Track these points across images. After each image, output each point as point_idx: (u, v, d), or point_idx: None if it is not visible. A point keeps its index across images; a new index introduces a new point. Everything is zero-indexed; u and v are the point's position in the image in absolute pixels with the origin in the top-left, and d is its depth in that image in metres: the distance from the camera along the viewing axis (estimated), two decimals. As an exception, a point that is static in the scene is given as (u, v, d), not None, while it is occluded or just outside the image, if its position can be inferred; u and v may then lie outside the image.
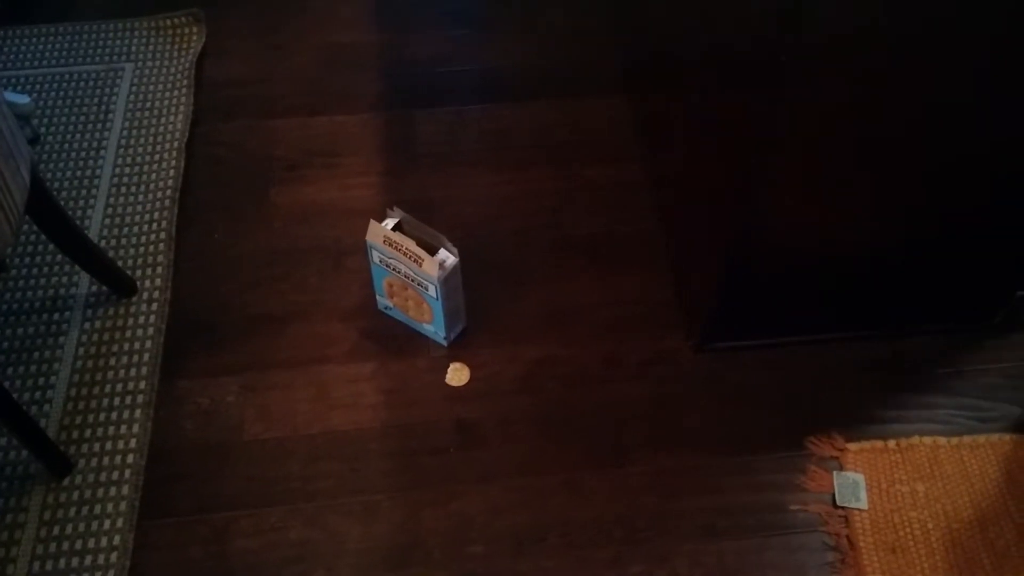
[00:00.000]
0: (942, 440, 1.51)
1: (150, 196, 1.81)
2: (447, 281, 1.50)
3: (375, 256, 1.54)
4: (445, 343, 1.61)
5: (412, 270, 1.50)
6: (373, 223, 1.50)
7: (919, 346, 1.63)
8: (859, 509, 1.43)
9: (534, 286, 1.71)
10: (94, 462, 1.47)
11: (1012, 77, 1.17)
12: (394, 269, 1.53)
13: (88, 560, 1.38)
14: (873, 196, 1.35)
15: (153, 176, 1.84)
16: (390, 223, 1.52)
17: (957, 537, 1.40)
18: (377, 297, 1.64)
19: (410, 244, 1.47)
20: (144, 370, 1.57)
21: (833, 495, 1.46)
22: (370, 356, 1.61)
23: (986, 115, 1.23)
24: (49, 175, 1.84)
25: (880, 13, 1.07)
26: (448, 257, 1.50)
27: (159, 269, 1.70)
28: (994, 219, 1.42)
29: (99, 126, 1.93)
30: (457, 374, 1.59)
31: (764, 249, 1.43)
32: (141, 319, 1.63)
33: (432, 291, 1.50)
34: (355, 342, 1.63)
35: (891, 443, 1.51)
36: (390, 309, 1.64)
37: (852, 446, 1.51)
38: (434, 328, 1.59)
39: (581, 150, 1.91)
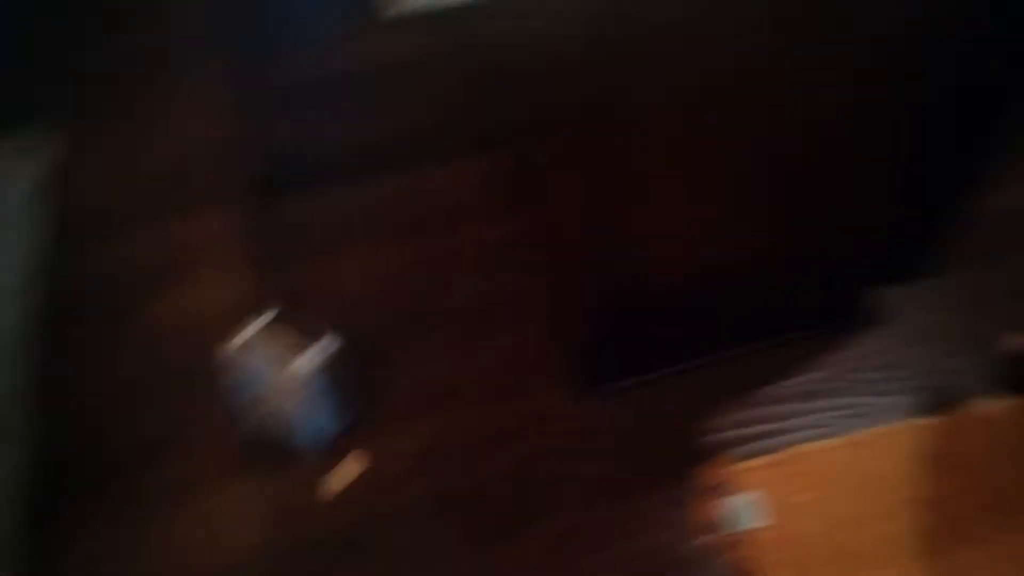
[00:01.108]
0: (827, 444, 1.53)
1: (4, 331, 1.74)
2: (329, 371, 1.47)
3: (246, 363, 1.51)
4: (329, 442, 1.58)
5: (286, 372, 1.47)
6: (240, 330, 1.47)
7: (793, 354, 1.66)
8: (752, 529, 1.44)
9: (417, 365, 1.69)
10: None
11: (834, 84, 1.22)
12: (267, 374, 1.50)
13: None
14: (728, 213, 1.37)
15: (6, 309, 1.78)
16: (259, 325, 1.49)
17: (854, 538, 1.42)
18: (250, 407, 1.59)
19: (281, 346, 1.44)
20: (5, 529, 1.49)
21: (731, 519, 1.46)
22: (250, 472, 1.56)
23: (820, 123, 1.27)
24: None
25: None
26: (329, 346, 1.47)
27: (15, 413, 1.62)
28: (845, 223, 1.47)
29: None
30: (346, 471, 1.55)
31: (631, 285, 1.44)
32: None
33: (310, 390, 1.47)
34: (231, 460, 1.58)
35: (779, 456, 1.52)
36: (267, 417, 1.59)
37: (743, 466, 1.52)
38: (315, 428, 1.56)
39: (452, 216, 1.92)
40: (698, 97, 1.16)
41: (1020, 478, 1.46)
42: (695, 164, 1.27)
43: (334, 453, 1.57)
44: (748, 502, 1.47)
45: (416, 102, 2.16)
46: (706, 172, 1.29)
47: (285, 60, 2.26)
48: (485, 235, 1.89)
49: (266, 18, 2.38)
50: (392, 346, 1.72)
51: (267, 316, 1.50)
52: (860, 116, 1.27)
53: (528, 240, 1.81)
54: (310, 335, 1.48)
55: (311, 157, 2.06)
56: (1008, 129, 1.36)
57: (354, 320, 1.74)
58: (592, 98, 1.16)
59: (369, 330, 1.74)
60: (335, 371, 1.51)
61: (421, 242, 1.89)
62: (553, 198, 1.61)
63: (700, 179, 1.30)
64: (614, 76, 1.11)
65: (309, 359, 1.43)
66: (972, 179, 1.47)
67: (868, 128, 1.30)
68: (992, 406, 1.56)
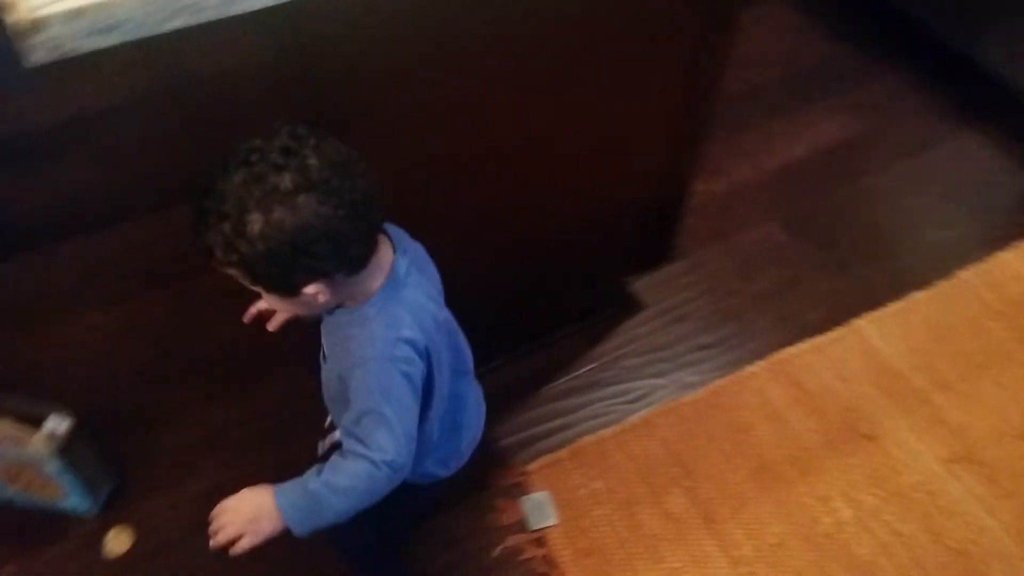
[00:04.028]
0: (605, 432, 1.60)
1: None
2: (68, 450, 1.34)
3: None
4: (95, 511, 1.44)
5: (20, 451, 1.32)
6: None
7: (562, 351, 1.72)
8: (551, 526, 1.48)
9: (178, 419, 1.59)
10: None
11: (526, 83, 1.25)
12: (0, 456, 1.35)
13: None
14: (474, 219, 1.37)
15: None
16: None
17: (639, 519, 1.49)
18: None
19: (4, 426, 1.29)
20: None
21: (527, 520, 1.49)
22: (7, 556, 1.40)
23: (546, 121, 1.30)
24: None
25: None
26: (60, 424, 1.34)
27: None
28: (588, 217, 1.53)
29: None
30: (118, 540, 1.43)
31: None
32: None
33: (53, 466, 1.33)
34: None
35: (563, 452, 1.57)
36: (15, 497, 1.44)
37: (531, 467, 1.55)
38: (75, 499, 1.42)
39: (183, 263, 1.80)
40: (417, 105, 1.15)
41: (782, 441, 1.59)
42: (424, 171, 1.25)
43: (103, 523, 1.45)
44: (540, 501, 1.50)
45: (130, 146, 2.03)
46: (437, 178, 1.27)
47: None
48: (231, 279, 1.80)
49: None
50: (152, 403, 1.60)
51: None
52: (580, 108, 1.32)
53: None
54: (41, 410, 1.34)
55: (7, 221, 1.87)
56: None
57: (100, 384, 1.60)
58: (305, 115, 1.13)
59: (121, 392, 1.61)
60: (82, 441, 1.38)
61: (161, 292, 1.77)
62: None
63: (432, 185, 1.28)
64: (320, 93, 1.08)
65: (42, 436, 1.30)
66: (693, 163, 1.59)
67: (592, 126, 1.36)
68: (756, 374, 1.69)
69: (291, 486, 1.01)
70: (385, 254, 0.97)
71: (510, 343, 1.68)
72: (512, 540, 1.47)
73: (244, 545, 1.02)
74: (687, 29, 1.31)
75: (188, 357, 1.67)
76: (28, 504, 1.44)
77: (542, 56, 1.20)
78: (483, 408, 1.22)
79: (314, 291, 0.91)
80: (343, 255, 0.91)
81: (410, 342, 0.96)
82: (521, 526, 1.48)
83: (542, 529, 1.48)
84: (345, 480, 0.98)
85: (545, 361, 1.70)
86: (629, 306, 1.79)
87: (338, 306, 0.98)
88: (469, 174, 1.29)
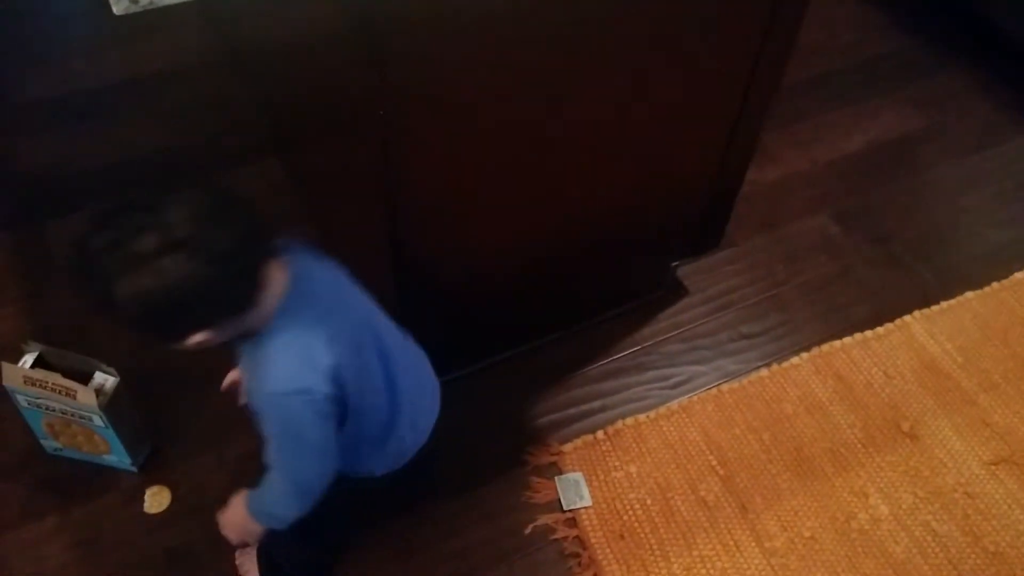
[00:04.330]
0: (642, 417, 1.59)
1: None
2: (111, 406, 1.37)
3: (21, 400, 1.38)
4: (135, 469, 1.48)
5: (68, 405, 1.35)
6: (6, 366, 1.34)
7: (607, 332, 1.71)
8: (584, 507, 1.48)
9: (217, 384, 1.60)
10: None
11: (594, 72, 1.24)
12: (48, 408, 1.38)
13: None
14: (528, 200, 1.38)
15: None
16: (28, 360, 1.36)
17: (673, 504, 1.48)
18: (42, 442, 1.47)
19: (56, 378, 1.32)
20: None
21: (561, 500, 1.49)
22: (49, 508, 1.44)
23: (603, 105, 1.29)
24: None
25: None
26: (106, 380, 1.37)
27: None
28: (646, 201, 1.52)
29: None
30: (156, 499, 1.46)
31: (438, 279, 1.43)
32: None
33: (99, 420, 1.36)
34: (27, 497, 1.45)
35: (599, 434, 1.57)
36: (61, 450, 1.47)
37: (567, 447, 1.55)
38: (116, 457, 1.45)
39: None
40: (481, 86, 1.15)
41: (822, 435, 1.57)
42: (483, 153, 1.26)
43: (143, 481, 1.48)
44: (575, 481, 1.50)
45: (176, 112, 2.05)
46: (495, 159, 1.28)
47: (27, 76, 2.10)
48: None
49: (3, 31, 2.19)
50: (194, 365, 1.61)
51: (34, 351, 1.37)
52: (639, 95, 1.31)
53: (334, 242, 1.76)
54: (89, 366, 1.37)
55: (69, 180, 1.90)
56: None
57: (137, 350, 1.62)
58: (368, 93, 1.13)
59: (165, 352, 1.63)
60: (124, 399, 1.40)
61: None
62: (336, 200, 1.57)
63: (490, 167, 1.28)
64: (386, 71, 1.08)
65: (90, 391, 1.32)
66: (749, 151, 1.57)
67: (653, 108, 1.34)
68: (799, 366, 1.67)
69: (253, 494, 1.09)
70: (279, 282, 0.94)
71: (554, 323, 1.68)
72: (545, 519, 1.47)
73: (250, 545, 1.10)
74: (755, 13, 1.29)
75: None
76: (74, 458, 1.48)
77: (608, 38, 1.19)
78: (429, 386, 1.22)
79: (201, 338, 0.90)
80: (220, 305, 0.88)
81: (314, 369, 0.94)
82: (555, 505, 1.49)
83: (575, 509, 1.48)
84: (271, 494, 1.06)
85: (587, 342, 1.69)
86: (674, 291, 1.78)
87: (242, 335, 0.95)
88: (526, 155, 1.29)
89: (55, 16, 2.25)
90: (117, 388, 1.37)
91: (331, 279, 1.05)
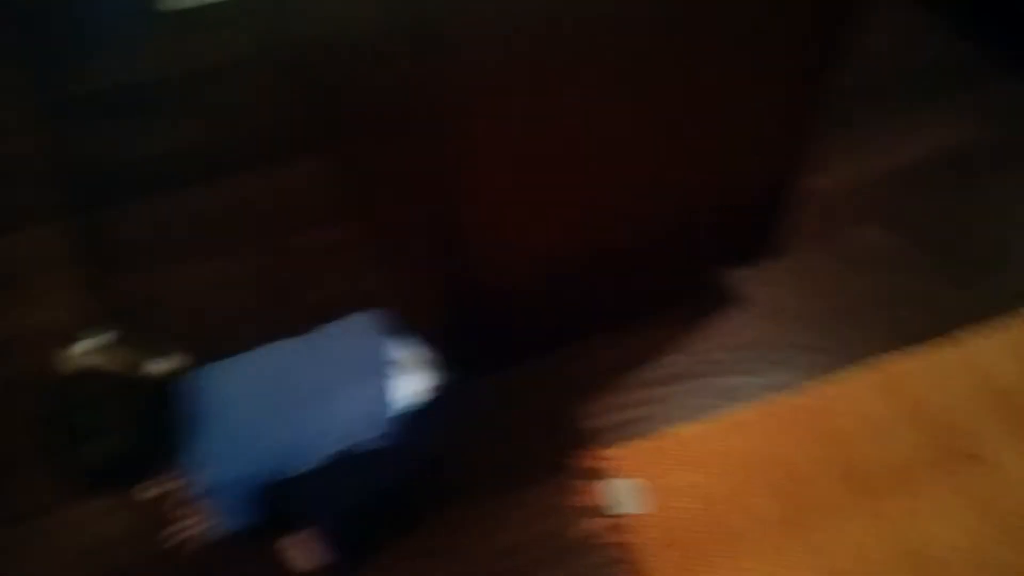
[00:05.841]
0: (691, 425, 1.57)
1: None
2: (175, 395, 1.36)
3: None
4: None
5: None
6: (75, 350, 1.34)
7: (655, 338, 1.69)
8: (632, 513, 1.46)
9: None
10: None
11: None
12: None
13: None
14: (583, 200, 1.37)
15: None
16: (96, 345, 1.36)
17: (722, 517, 1.46)
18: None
19: (121, 356, 1.32)
20: None
21: (607, 505, 1.47)
22: (98, 495, 1.44)
23: (655, 106, 1.27)
24: None
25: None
26: (168, 359, 1.36)
27: None
28: (701, 208, 1.50)
29: None
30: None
31: (489, 278, 1.42)
32: None
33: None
34: (72, 485, 1.44)
35: (646, 441, 1.55)
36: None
37: (613, 452, 1.53)
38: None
39: (288, 219, 1.83)
40: (529, 84, 1.14)
41: (878, 452, 1.54)
42: (531, 152, 1.25)
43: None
44: (626, 486, 1.48)
45: (228, 106, 2.07)
46: (545, 158, 1.27)
47: (83, 68, 2.13)
48: (322, 238, 1.82)
49: (57, 25, 2.22)
50: (241, 351, 1.62)
51: (104, 335, 1.37)
52: (694, 99, 1.29)
53: (379, 243, 1.76)
54: (152, 353, 1.37)
55: (130, 168, 1.93)
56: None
57: (192, 332, 1.64)
58: (415, 90, 1.12)
59: (214, 339, 1.64)
60: (185, 388, 1.40)
61: (256, 246, 1.81)
62: (389, 197, 1.56)
63: (539, 166, 1.27)
64: (436, 66, 1.07)
65: (156, 379, 1.32)
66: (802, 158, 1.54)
67: (706, 111, 1.32)
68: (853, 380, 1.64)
69: None
70: None
71: (604, 327, 1.66)
72: (589, 524, 1.45)
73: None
74: (812, 20, 1.27)
75: (278, 312, 1.69)
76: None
77: (666, 45, 1.18)
78: None
79: None
80: None
81: None
82: (599, 510, 1.47)
83: (620, 515, 1.46)
84: None
85: (636, 347, 1.67)
86: (726, 299, 1.75)
87: None
88: (581, 159, 1.28)
89: (105, 11, 2.28)
90: (179, 364, 1.37)
91: None
